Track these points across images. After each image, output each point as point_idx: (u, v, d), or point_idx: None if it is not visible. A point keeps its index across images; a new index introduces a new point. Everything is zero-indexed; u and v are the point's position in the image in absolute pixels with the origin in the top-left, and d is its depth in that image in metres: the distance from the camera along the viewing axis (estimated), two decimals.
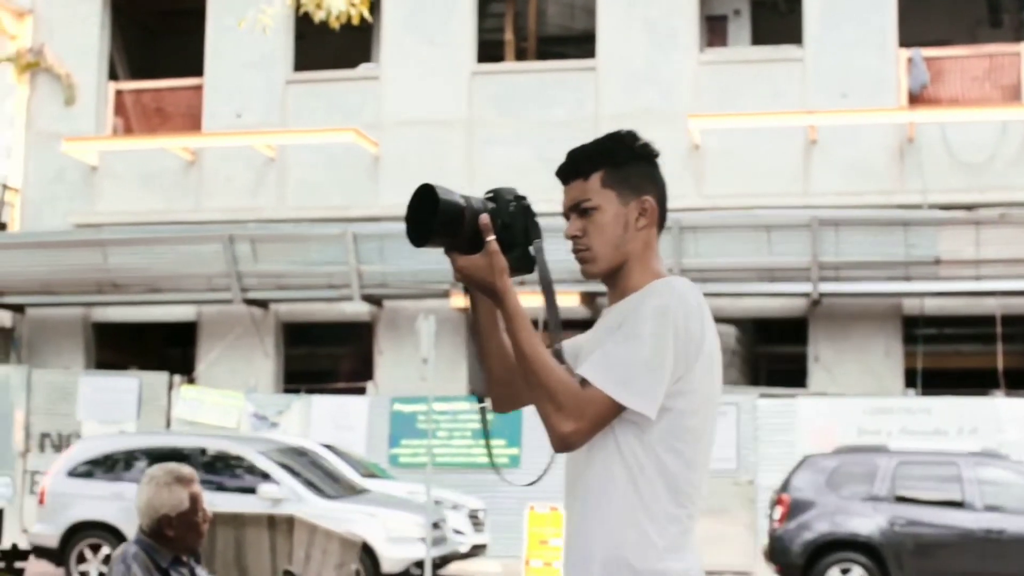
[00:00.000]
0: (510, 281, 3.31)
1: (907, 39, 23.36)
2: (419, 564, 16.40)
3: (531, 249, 3.39)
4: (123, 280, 24.05)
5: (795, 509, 16.25)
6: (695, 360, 3.31)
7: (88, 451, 17.63)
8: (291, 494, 16.46)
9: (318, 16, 12.53)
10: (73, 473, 17.27)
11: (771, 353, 25.65)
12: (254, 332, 24.30)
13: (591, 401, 3.25)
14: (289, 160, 24.83)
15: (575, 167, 3.50)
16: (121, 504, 16.36)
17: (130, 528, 15.27)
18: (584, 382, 3.27)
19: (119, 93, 26.53)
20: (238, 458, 17.17)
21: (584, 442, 3.29)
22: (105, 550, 16.69)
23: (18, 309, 25.35)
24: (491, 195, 3.37)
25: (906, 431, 20.02)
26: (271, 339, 24.46)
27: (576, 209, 3.48)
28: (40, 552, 17.20)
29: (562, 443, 3.27)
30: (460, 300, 22.67)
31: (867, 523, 15.98)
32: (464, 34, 24.60)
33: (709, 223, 21.96)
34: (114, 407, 22.99)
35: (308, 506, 16.04)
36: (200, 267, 23.55)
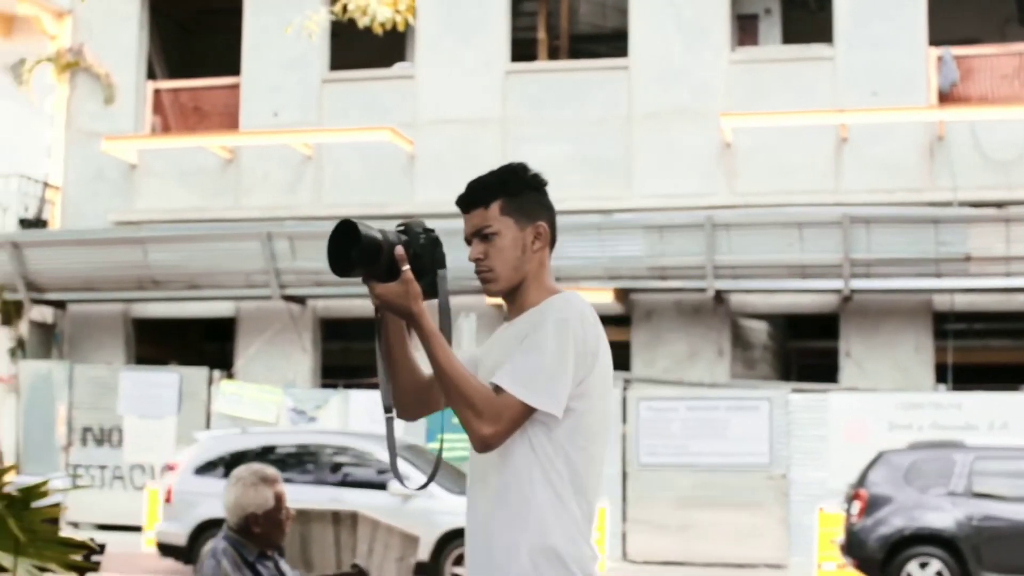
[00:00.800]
0: (423, 305, 3.66)
1: (937, 37, 23.54)
2: None
3: (439, 274, 3.73)
4: (163, 276, 24.43)
5: (873, 504, 16.45)
6: (592, 366, 3.72)
7: (213, 449, 17.62)
8: (421, 490, 16.61)
9: (363, 22, 12.81)
10: (200, 471, 17.31)
11: (802, 348, 25.84)
12: (292, 328, 24.64)
13: (506, 406, 3.63)
14: (325, 158, 25.16)
15: (476, 197, 3.88)
16: None
17: None
18: (498, 389, 3.65)
19: (157, 92, 26.89)
20: (366, 454, 17.32)
21: (501, 442, 3.66)
22: None
23: (59, 305, 25.73)
24: (402, 228, 3.73)
25: (936, 426, 20.22)
26: (308, 335, 24.80)
27: (478, 235, 3.86)
28: (167, 550, 17.20)
29: (483, 444, 3.65)
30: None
31: (945, 518, 16.18)
32: (498, 33, 24.87)
33: (741, 220, 22.19)
34: (155, 402, 23.38)
35: (439, 501, 16.39)
36: (239, 264, 23.89)
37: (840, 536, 16.95)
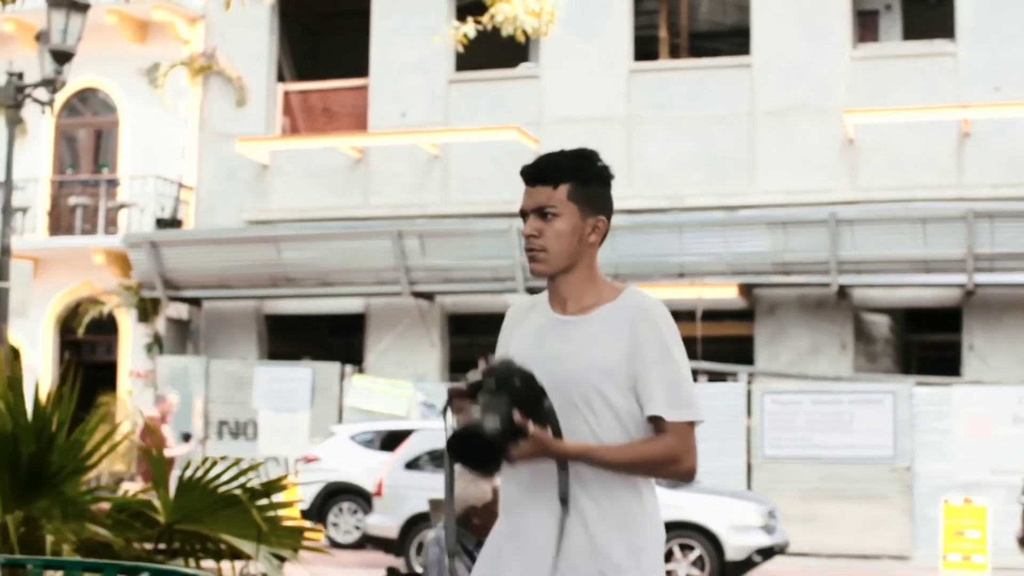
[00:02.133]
0: (557, 441, 3.66)
1: None
2: (760, 552, 16.45)
3: (545, 405, 3.67)
4: (296, 274, 25.11)
5: None
6: None
7: (424, 443, 17.90)
8: None
9: (507, 31, 13.30)
10: (410, 465, 17.67)
11: (922, 342, 25.99)
12: (421, 323, 25.22)
13: (684, 435, 3.75)
14: (452, 157, 25.70)
15: (546, 175, 3.85)
16: None
17: None
18: (656, 419, 3.74)
19: (286, 94, 27.60)
20: None
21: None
22: None
23: (195, 302, 26.51)
24: (492, 380, 3.66)
25: None
26: (437, 330, 25.37)
27: (539, 212, 3.83)
28: (378, 543, 17.57)
29: (692, 477, 3.80)
30: None
31: None
32: (621, 32, 25.25)
33: (865, 216, 22.44)
34: (288, 396, 24.05)
35: None
36: (369, 261, 24.49)
37: (1018, 529, 17.00)
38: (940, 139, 23.48)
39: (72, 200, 27.02)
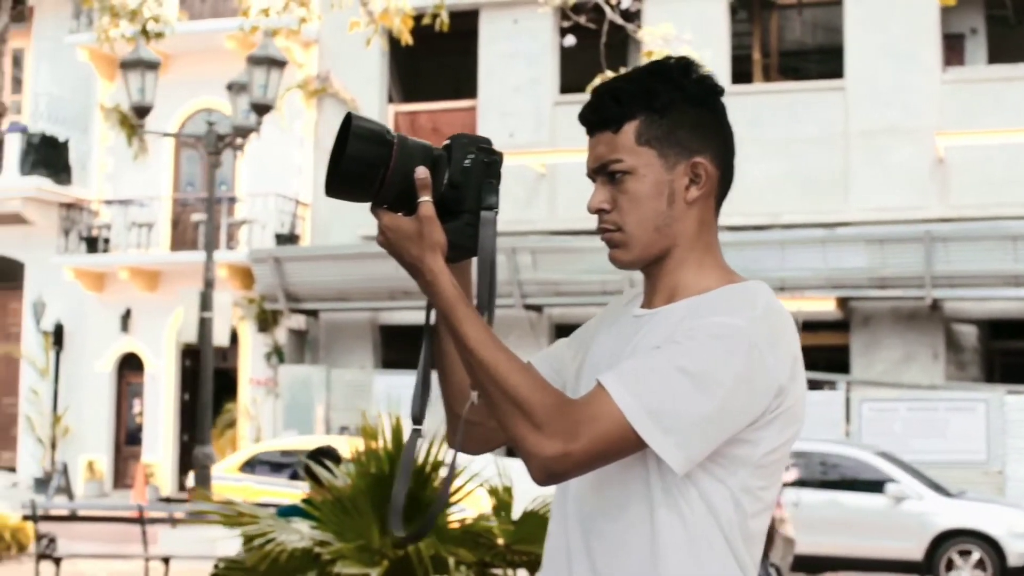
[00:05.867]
0: (442, 261, 2.46)
1: None
2: None
3: (481, 219, 2.52)
4: (412, 287, 26.26)
5: None
6: (781, 399, 2.39)
7: None
8: (913, 492, 17.72)
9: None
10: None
11: (1005, 349, 27.02)
12: (531, 334, 26.52)
13: (591, 407, 2.33)
14: (558, 176, 26.98)
15: (603, 112, 2.56)
16: None
17: None
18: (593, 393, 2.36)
19: (396, 114, 29.00)
20: (855, 460, 18.37)
21: (578, 470, 2.34)
22: None
23: (312, 314, 27.96)
24: (447, 143, 2.58)
25: None
26: (545, 339, 26.68)
27: (603, 172, 2.57)
28: None
29: (544, 471, 2.33)
30: None
31: None
32: (720, 54, 26.39)
33: (957, 234, 23.68)
34: (407, 403, 25.23)
35: (928, 503, 17.60)
36: None
37: None
38: None
39: (194, 217, 28.50)
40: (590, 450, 2.30)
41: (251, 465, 19.99)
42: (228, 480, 18.97)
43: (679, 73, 2.53)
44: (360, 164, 2.40)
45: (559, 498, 2.55)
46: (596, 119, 2.56)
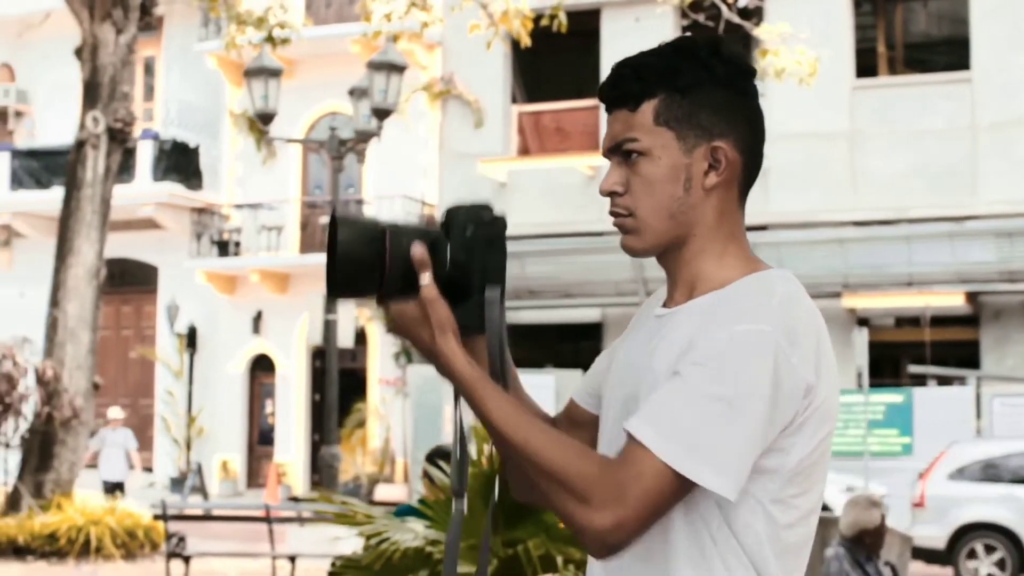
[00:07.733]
0: (454, 342, 2.32)
1: None
2: None
3: (485, 298, 2.39)
4: (538, 287, 26.71)
5: None
6: (810, 400, 2.26)
7: (964, 455, 18.19)
8: None
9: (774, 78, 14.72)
10: (952, 476, 17.91)
11: None
12: None
13: (631, 466, 2.19)
14: None
15: (623, 88, 2.42)
16: (1013, 505, 17.28)
17: (1021, 528, 16.99)
18: (628, 444, 2.22)
19: (519, 114, 29.17)
20: None
21: (634, 536, 2.21)
22: (999, 553, 17.29)
23: None
24: (444, 219, 2.45)
25: None
26: None
27: (618, 151, 2.42)
28: (921, 553, 17.40)
29: (602, 545, 2.21)
30: (851, 299, 24.62)
31: None
32: (844, 48, 26.25)
33: None
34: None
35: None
36: (607, 274, 25.90)
37: None
38: None
39: (323, 219, 28.87)
40: (642, 512, 2.18)
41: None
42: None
43: (707, 52, 2.39)
44: (355, 264, 2.32)
45: None
46: (615, 95, 2.42)
